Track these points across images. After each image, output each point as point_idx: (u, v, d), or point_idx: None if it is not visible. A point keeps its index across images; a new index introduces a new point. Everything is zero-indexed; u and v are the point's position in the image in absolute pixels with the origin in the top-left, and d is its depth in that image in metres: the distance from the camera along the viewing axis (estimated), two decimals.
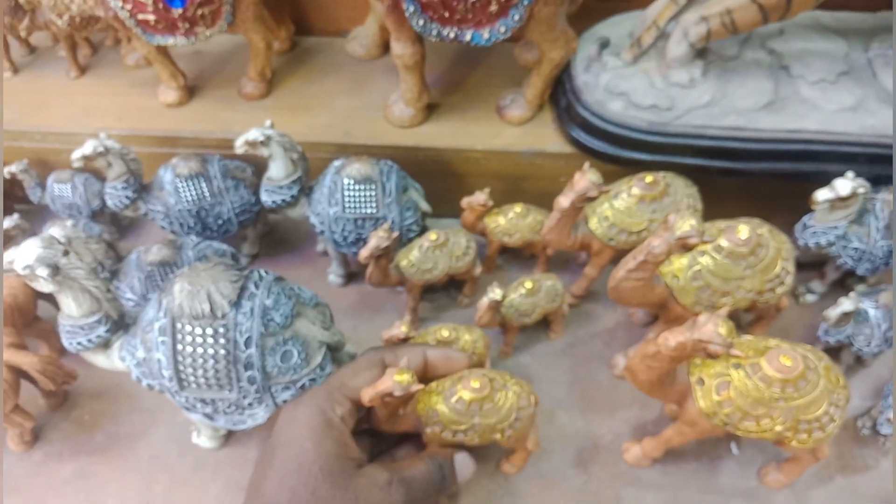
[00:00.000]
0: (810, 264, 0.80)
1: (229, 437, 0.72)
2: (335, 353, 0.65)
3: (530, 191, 0.77)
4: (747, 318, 0.76)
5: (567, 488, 0.69)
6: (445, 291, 0.82)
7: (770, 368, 0.53)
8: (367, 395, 0.59)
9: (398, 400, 0.60)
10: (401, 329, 0.67)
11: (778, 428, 0.54)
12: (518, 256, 0.84)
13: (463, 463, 0.59)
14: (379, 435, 0.61)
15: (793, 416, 0.54)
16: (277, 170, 0.70)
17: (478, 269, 0.77)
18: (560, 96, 0.77)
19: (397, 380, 0.58)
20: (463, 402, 0.61)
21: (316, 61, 0.86)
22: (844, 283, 0.79)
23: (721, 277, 0.63)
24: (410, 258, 0.72)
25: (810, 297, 0.79)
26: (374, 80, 0.82)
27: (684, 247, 0.58)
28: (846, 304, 0.66)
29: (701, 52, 0.71)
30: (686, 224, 0.57)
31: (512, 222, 0.77)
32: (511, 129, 0.79)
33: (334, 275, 0.81)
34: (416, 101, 0.76)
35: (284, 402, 0.61)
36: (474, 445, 0.62)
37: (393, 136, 0.78)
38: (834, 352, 0.74)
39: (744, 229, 0.63)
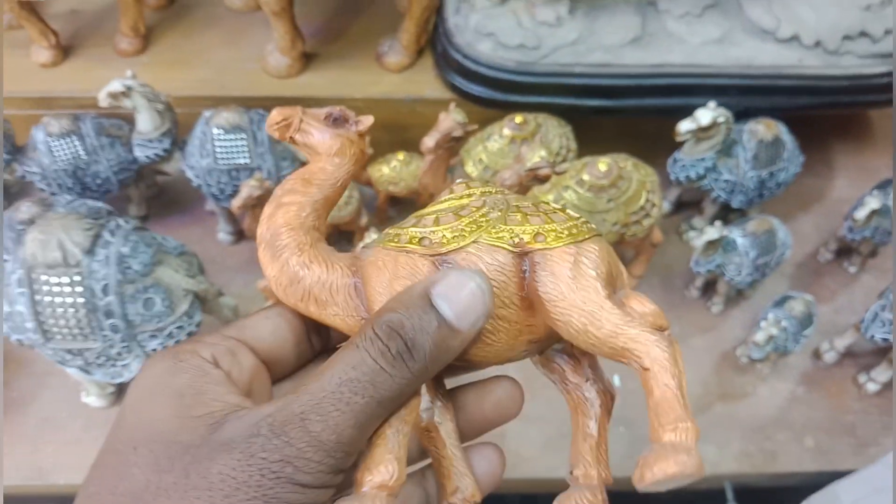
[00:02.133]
0: (691, 203, 0.85)
1: (120, 395, 0.74)
2: (205, 301, 0.67)
3: (413, 139, 0.80)
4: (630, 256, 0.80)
5: None
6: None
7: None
8: None
9: None
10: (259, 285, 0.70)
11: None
12: (412, 206, 0.87)
13: (451, 289, 0.31)
14: None
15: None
16: (144, 122, 0.72)
17: (363, 220, 0.80)
18: (436, 41, 0.79)
19: None
20: None
21: (194, 15, 0.88)
22: (727, 218, 0.83)
23: (585, 211, 0.67)
24: None
25: (692, 234, 0.82)
26: (251, 32, 0.84)
27: (537, 178, 0.61)
28: (711, 232, 0.70)
29: None
30: (536, 156, 0.61)
31: (395, 171, 0.80)
32: (391, 76, 0.81)
33: (223, 232, 0.84)
34: (291, 50, 0.79)
35: (154, 350, 0.64)
36: None
37: (270, 88, 0.80)
38: (711, 284, 0.78)
39: (604, 162, 0.67)
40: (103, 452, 0.31)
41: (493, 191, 0.35)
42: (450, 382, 0.36)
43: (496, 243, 0.32)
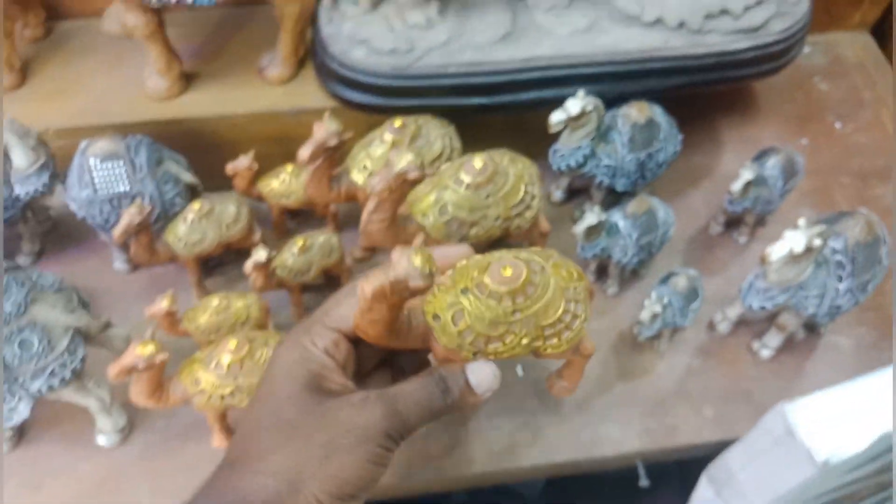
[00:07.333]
0: (582, 189, 0.85)
1: (21, 437, 0.72)
2: (89, 335, 0.66)
3: None
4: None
5: None
6: (236, 263, 0.83)
7: (494, 284, 0.52)
8: (112, 371, 0.60)
9: (151, 375, 0.61)
10: (162, 304, 0.68)
11: (525, 341, 0.53)
12: (311, 218, 0.86)
13: (479, 372, 0.52)
14: (402, 366, 0.60)
15: (534, 324, 0.53)
16: (19, 158, 0.71)
17: (256, 236, 0.79)
18: (315, 51, 0.79)
19: (139, 352, 0.60)
20: (222, 366, 0.63)
21: (72, 44, 0.86)
22: (620, 201, 0.84)
23: (466, 209, 0.67)
24: (176, 232, 0.74)
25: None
26: (131, 57, 0.83)
27: (406, 182, 0.61)
28: (589, 217, 0.70)
29: None
30: (403, 160, 0.61)
31: (285, 184, 0.79)
32: (273, 89, 0.81)
33: (119, 261, 0.82)
34: (168, 71, 0.77)
35: (39, 391, 0.63)
36: (244, 407, 0.65)
37: (152, 111, 0.79)
38: (604, 268, 0.79)
39: (478, 160, 0.67)
40: (259, 399, 0.50)
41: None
42: None
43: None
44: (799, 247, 0.57)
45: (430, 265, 0.45)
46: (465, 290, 0.52)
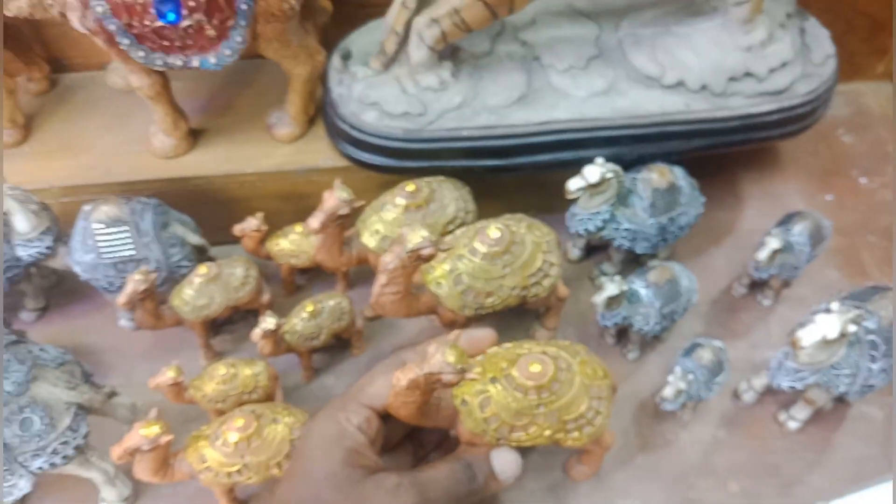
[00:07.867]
0: (601, 247, 0.83)
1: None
2: (92, 409, 0.64)
3: (312, 207, 0.77)
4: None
5: None
6: (245, 321, 0.81)
7: (522, 378, 0.55)
8: (115, 453, 0.59)
9: (156, 454, 0.60)
10: (168, 374, 0.66)
11: (547, 433, 0.56)
12: (321, 274, 0.85)
13: (503, 460, 0.55)
14: (423, 440, 0.63)
15: (557, 418, 0.56)
16: (21, 224, 0.69)
17: (265, 297, 0.77)
18: (325, 110, 0.77)
19: (143, 433, 0.58)
20: (228, 444, 0.61)
21: (77, 99, 0.84)
22: (639, 259, 0.82)
23: (482, 279, 0.65)
24: (183, 296, 0.72)
25: (604, 280, 0.81)
26: (136, 113, 0.81)
27: (420, 258, 0.59)
28: (611, 288, 0.68)
29: (451, 53, 0.73)
30: (417, 236, 0.59)
31: (295, 243, 0.77)
32: (283, 147, 0.79)
33: (124, 319, 0.80)
34: (174, 130, 0.76)
35: (40, 468, 0.61)
36: (253, 483, 0.63)
37: (158, 170, 0.77)
38: (625, 331, 0.77)
39: (494, 229, 0.65)
40: (296, 476, 0.55)
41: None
42: None
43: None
44: (833, 333, 0.55)
45: (463, 361, 0.48)
46: (493, 380, 0.55)
